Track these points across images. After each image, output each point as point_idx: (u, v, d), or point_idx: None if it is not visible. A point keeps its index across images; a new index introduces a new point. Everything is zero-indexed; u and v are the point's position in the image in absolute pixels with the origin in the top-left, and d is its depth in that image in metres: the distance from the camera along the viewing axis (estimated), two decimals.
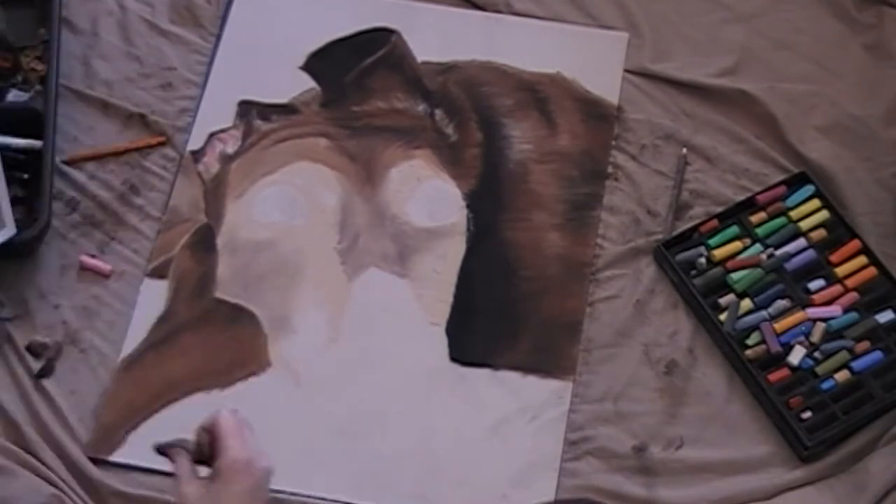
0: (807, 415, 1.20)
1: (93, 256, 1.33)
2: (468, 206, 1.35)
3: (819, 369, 1.23)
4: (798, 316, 1.25)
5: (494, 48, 1.45)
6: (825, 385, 1.22)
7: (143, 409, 1.23)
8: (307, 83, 1.43)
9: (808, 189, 1.34)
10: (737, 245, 1.30)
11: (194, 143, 1.39)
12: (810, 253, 1.30)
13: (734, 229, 1.32)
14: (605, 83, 1.42)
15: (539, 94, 1.42)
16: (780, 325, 1.25)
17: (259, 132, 1.40)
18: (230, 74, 1.44)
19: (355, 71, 1.43)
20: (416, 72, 1.43)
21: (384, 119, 1.40)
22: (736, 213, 1.33)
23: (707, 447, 1.21)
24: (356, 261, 1.32)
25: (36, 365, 1.25)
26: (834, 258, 1.29)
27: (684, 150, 1.38)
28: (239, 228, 1.34)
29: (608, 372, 1.26)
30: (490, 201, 1.35)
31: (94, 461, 1.20)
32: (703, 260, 1.29)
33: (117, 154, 1.39)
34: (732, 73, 1.44)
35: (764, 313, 1.26)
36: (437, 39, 1.46)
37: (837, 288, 1.28)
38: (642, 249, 1.32)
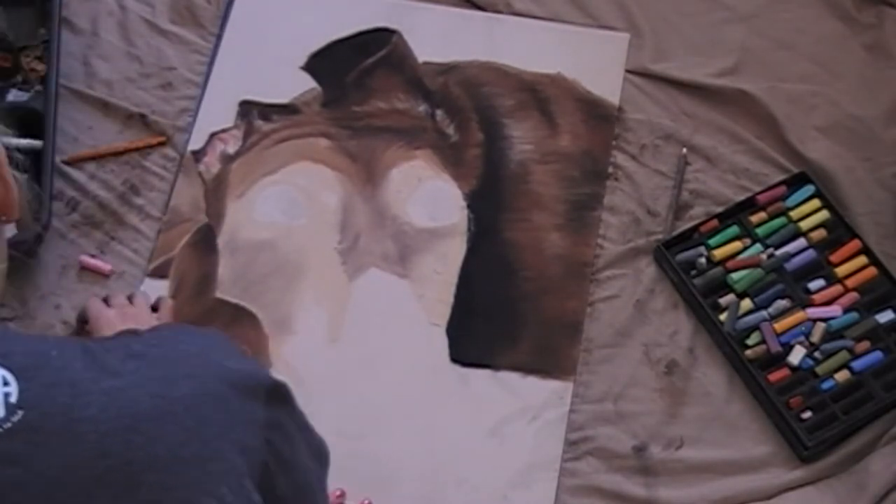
0: (807, 415, 1.21)
1: (93, 256, 1.33)
2: (469, 207, 1.35)
3: (819, 369, 1.23)
4: (798, 316, 1.25)
5: (495, 48, 1.45)
6: (825, 385, 1.22)
7: None
8: (308, 83, 1.43)
9: (808, 189, 1.34)
10: (737, 245, 1.30)
11: (195, 142, 1.39)
12: (810, 253, 1.30)
13: (734, 229, 1.32)
14: (606, 83, 1.42)
15: (540, 95, 1.42)
16: (780, 325, 1.25)
17: (260, 132, 1.40)
18: (231, 74, 1.44)
19: (356, 71, 1.43)
20: (416, 72, 1.43)
21: (385, 119, 1.40)
22: (736, 213, 1.33)
23: (707, 447, 1.21)
24: (357, 261, 1.32)
25: None
26: (834, 258, 1.30)
27: (684, 150, 1.38)
28: (240, 228, 1.34)
29: (608, 372, 1.26)
30: (491, 202, 1.35)
31: None
32: (703, 260, 1.29)
33: (117, 154, 1.39)
34: (732, 73, 1.44)
35: (764, 313, 1.26)
36: (437, 40, 1.46)
37: (837, 288, 1.28)
38: (642, 249, 1.33)
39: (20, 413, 0.69)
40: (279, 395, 0.82)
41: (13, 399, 0.70)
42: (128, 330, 0.89)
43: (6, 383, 0.71)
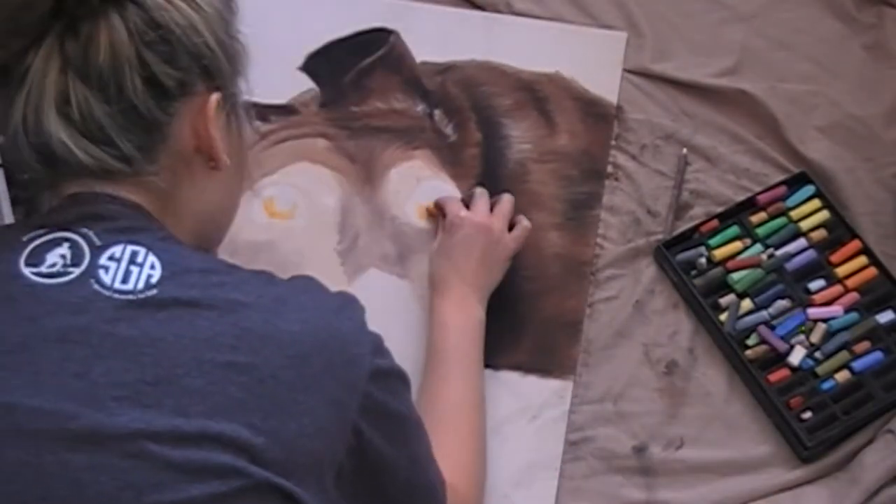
0: (807, 415, 1.20)
1: None
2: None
3: (819, 370, 1.23)
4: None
5: (493, 48, 1.45)
6: (825, 385, 1.22)
7: None
8: (306, 83, 1.43)
9: (809, 189, 1.33)
10: (737, 245, 1.30)
11: None
12: (811, 253, 1.30)
13: (734, 229, 1.31)
14: (604, 83, 1.42)
15: (538, 94, 1.42)
16: None
17: (258, 133, 1.40)
18: None
19: (354, 71, 1.43)
20: (414, 72, 1.43)
21: (383, 119, 1.40)
22: (736, 213, 1.33)
23: (707, 447, 1.21)
24: (356, 262, 1.32)
25: None
26: (834, 258, 1.29)
27: (684, 150, 1.38)
28: (238, 230, 1.33)
29: (608, 372, 1.25)
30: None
31: None
32: (703, 260, 1.29)
33: None
34: (732, 73, 1.44)
35: (764, 313, 1.25)
36: (435, 39, 1.46)
37: (838, 288, 1.28)
38: (642, 249, 1.32)
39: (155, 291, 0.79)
40: (383, 378, 0.88)
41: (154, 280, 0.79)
42: (263, 271, 0.92)
43: (153, 267, 0.80)
